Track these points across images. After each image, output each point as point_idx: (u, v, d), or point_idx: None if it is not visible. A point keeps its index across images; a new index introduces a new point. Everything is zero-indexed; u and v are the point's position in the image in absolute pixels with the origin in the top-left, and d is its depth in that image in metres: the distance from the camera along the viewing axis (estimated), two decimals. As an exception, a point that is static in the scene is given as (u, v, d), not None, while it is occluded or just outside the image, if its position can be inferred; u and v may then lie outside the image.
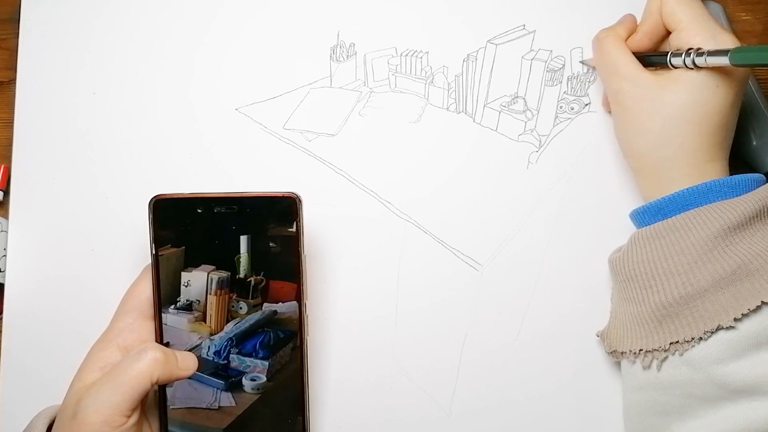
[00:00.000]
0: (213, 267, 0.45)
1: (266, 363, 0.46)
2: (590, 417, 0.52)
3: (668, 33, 0.50)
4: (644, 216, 0.49)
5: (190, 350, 0.45)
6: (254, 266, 0.45)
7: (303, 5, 0.55)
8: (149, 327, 0.45)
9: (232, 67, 0.54)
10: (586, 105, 0.55)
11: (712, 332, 0.44)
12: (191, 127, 0.54)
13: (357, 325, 0.52)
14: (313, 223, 0.52)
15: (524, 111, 0.55)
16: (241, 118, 0.54)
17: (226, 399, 0.46)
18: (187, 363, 0.44)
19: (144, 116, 0.54)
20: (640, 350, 0.47)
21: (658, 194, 0.48)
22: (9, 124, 0.54)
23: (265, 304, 0.46)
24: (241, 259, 0.45)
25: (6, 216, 0.52)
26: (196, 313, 0.46)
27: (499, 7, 0.55)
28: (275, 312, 0.46)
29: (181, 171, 0.53)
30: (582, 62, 0.55)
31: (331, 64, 0.55)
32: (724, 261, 0.45)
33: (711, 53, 0.46)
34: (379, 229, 0.53)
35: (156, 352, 0.43)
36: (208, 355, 0.46)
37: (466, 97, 0.55)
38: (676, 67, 0.48)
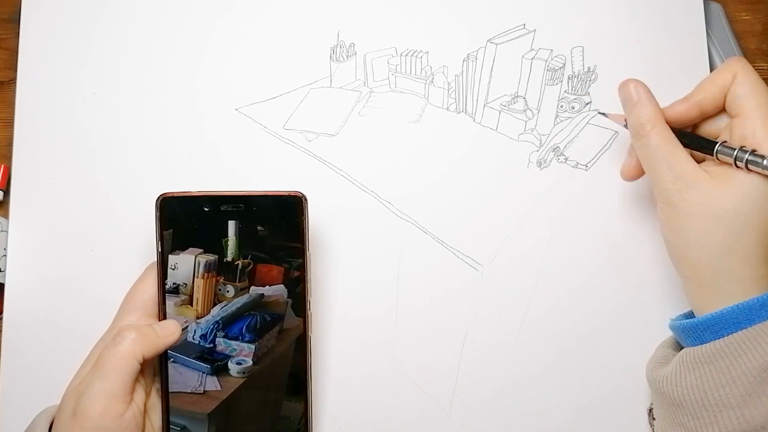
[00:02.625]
0: (200, 250, 0.45)
1: (252, 346, 0.46)
2: (590, 417, 0.52)
3: (719, 112, 0.46)
4: (692, 333, 0.45)
5: None
6: (242, 250, 0.45)
7: (303, 5, 0.55)
8: None
9: (232, 67, 0.54)
10: (587, 104, 0.54)
11: None
12: (191, 128, 0.54)
13: (357, 325, 0.52)
14: (313, 223, 0.52)
15: (524, 110, 0.55)
16: (241, 118, 0.54)
17: (212, 383, 0.45)
18: (167, 330, 0.44)
19: (144, 116, 0.54)
20: None
21: (713, 307, 0.44)
22: (9, 124, 0.54)
23: (252, 288, 0.46)
24: (228, 243, 0.45)
25: (6, 216, 0.52)
26: (183, 297, 0.45)
27: (499, 7, 0.55)
28: (262, 295, 0.46)
29: (182, 171, 0.53)
30: (604, 114, 0.51)
31: (331, 64, 0.55)
32: None
33: None
34: (379, 229, 0.53)
35: (131, 332, 0.43)
36: (194, 339, 0.45)
37: (466, 96, 0.55)
38: (723, 162, 0.44)
